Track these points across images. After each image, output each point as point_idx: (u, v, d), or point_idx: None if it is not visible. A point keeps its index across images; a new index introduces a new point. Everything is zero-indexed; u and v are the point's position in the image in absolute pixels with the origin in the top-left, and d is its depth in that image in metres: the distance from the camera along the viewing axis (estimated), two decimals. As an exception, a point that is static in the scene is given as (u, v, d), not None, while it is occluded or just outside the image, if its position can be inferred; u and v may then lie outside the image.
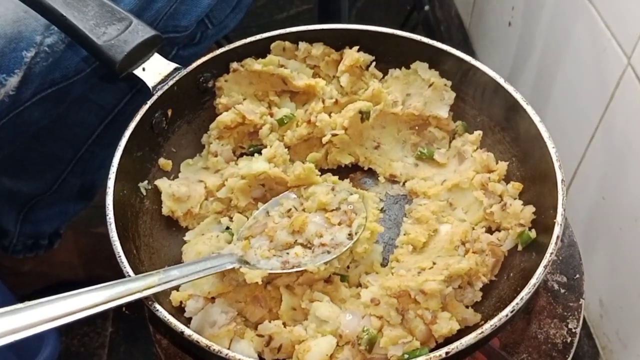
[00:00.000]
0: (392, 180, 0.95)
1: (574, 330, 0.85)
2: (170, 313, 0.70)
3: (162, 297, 0.75)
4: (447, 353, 0.65)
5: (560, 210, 0.75)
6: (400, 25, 1.98)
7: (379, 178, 0.95)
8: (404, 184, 0.94)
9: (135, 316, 1.46)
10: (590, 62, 1.36)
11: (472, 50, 1.97)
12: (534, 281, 0.69)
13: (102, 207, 0.79)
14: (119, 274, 0.72)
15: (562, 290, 0.87)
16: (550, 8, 1.55)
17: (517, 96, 0.85)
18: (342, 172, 0.95)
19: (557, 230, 0.73)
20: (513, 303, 0.68)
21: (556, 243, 0.72)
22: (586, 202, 1.39)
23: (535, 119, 0.83)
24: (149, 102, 0.87)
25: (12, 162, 1.19)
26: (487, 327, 0.66)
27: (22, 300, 0.62)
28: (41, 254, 1.41)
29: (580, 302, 0.86)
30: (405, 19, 2.04)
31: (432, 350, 0.72)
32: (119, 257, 0.73)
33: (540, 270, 0.70)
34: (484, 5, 2.00)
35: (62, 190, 1.29)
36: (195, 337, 0.66)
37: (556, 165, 0.78)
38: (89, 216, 1.43)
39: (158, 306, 0.69)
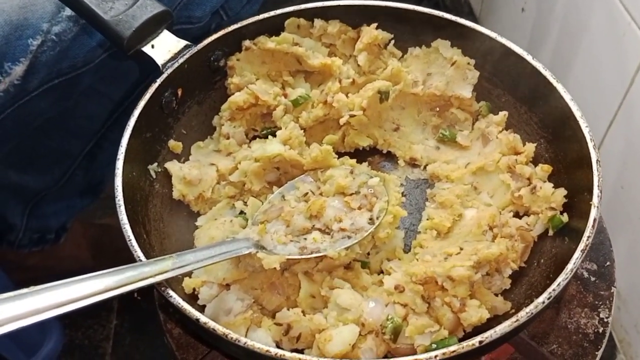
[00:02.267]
0: (413, 163, 0.91)
1: (605, 320, 0.81)
2: (183, 300, 0.66)
3: (174, 283, 0.71)
4: (480, 342, 0.61)
5: (596, 192, 0.71)
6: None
7: (399, 161, 0.91)
8: (425, 167, 0.90)
9: (140, 308, 1.42)
10: (608, 47, 1.32)
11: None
12: (570, 266, 0.65)
13: (107, 198, 0.74)
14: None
15: (593, 279, 0.83)
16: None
17: (547, 73, 0.81)
18: (360, 155, 0.91)
19: (593, 213, 0.69)
20: (549, 289, 0.64)
21: (593, 226, 0.68)
22: (604, 191, 1.35)
23: (567, 97, 0.79)
24: (159, 81, 0.82)
25: (19, 156, 1.16)
26: (523, 315, 0.62)
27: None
28: (47, 248, 1.38)
29: (611, 291, 0.82)
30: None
31: (460, 340, 0.68)
32: (129, 240, 0.69)
33: (577, 254, 0.66)
34: (496, -9, 1.95)
35: (69, 185, 1.26)
36: (212, 324, 0.62)
37: (590, 145, 0.74)
38: (94, 207, 1.39)
39: (172, 292, 0.65)
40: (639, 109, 1.23)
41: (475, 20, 2.11)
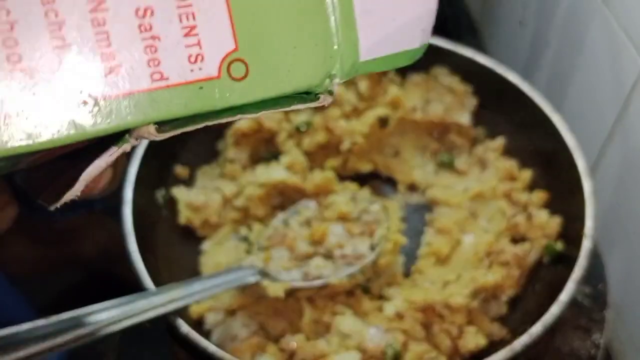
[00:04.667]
0: (412, 188, 0.94)
1: (597, 342, 0.83)
2: (190, 327, 0.69)
3: (181, 309, 0.73)
4: (477, 371, 0.63)
5: (589, 223, 0.73)
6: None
7: (398, 186, 0.94)
8: (424, 192, 0.92)
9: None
10: (605, 65, 1.34)
11: (483, 50, 1.95)
12: (563, 298, 0.68)
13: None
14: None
15: (586, 301, 0.86)
16: (563, 8, 1.53)
17: (542, 104, 0.84)
18: (361, 179, 0.94)
19: (586, 244, 0.71)
20: (543, 319, 0.66)
21: (586, 257, 0.70)
22: (600, 207, 1.37)
23: (561, 127, 0.82)
24: (166, 109, 0.85)
25: None
26: (518, 345, 0.65)
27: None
28: (82, 214, 1.37)
29: (603, 313, 0.85)
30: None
31: (458, 366, 0.71)
32: (139, 269, 0.71)
33: (570, 286, 0.69)
34: (494, 3, 1.97)
35: None
36: (221, 354, 0.65)
37: (583, 175, 0.76)
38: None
39: (181, 321, 0.68)
40: (635, 126, 1.25)
41: (474, 31, 2.13)
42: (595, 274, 0.89)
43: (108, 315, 0.62)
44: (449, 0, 2.11)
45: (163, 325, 0.83)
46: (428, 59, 0.94)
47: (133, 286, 0.68)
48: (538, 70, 1.68)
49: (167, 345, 0.85)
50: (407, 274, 0.84)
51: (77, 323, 0.60)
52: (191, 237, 0.87)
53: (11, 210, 0.38)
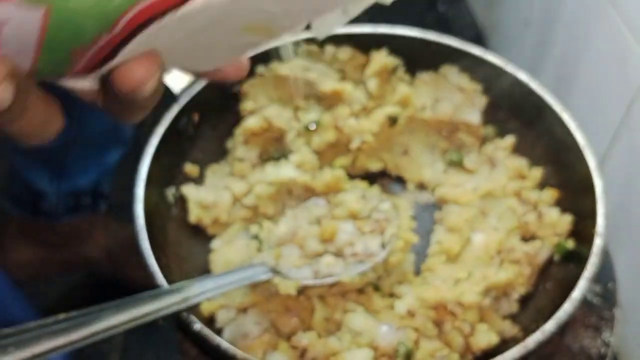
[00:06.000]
0: (421, 186, 0.94)
1: (606, 341, 0.83)
2: (203, 324, 0.69)
3: (193, 307, 0.73)
4: (490, 368, 0.63)
5: (600, 221, 0.73)
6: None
7: (408, 185, 0.94)
8: (433, 190, 0.92)
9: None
10: (611, 64, 1.34)
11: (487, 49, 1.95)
12: (576, 295, 0.68)
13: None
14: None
15: (596, 299, 0.86)
16: (569, 8, 1.54)
17: (551, 101, 0.84)
18: (370, 178, 0.94)
19: (597, 242, 0.72)
20: (556, 316, 0.66)
21: (598, 255, 0.70)
22: (607, 206, 1.37)
23: (571, 125, 0.82)
24: (176, 108, 0.85)
25: None
26: (531, 342, 0.65)
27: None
28: (86, 216, 1.35)
29: (613, 312, 0.85)
30: (418, 17, 2.02)
31: (470, 364, 0.71)
32: (152, 267, 0.71)
33: (582, 283, 0.69)
34: (499, 4, 1.98)
35: (84, 134, 1.20)
36: (234, 350, 0.65)
37: (594, 174, 0.77)
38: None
39: (194, 318, 0.68)
40: (640, 124, 1.25)
41: (479, 31, 2.13)
42: (605, 272, 0.89)
43: (120, 313, 0.62)
44: (453, 1, 2.12)
45: (169, 324, 0.84)
46: (437, 58, 0.95)
47: (138, 288, 0.67)
48: (543, 70, 1.68)
49: (171, 344, 0.85)
50: (417, 272, 0.84)
51: (89, 321, 0.60)
52: (201, 236, 0.87)
53: (58, 121, 0.41)
